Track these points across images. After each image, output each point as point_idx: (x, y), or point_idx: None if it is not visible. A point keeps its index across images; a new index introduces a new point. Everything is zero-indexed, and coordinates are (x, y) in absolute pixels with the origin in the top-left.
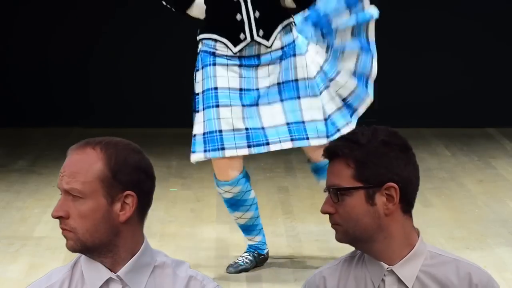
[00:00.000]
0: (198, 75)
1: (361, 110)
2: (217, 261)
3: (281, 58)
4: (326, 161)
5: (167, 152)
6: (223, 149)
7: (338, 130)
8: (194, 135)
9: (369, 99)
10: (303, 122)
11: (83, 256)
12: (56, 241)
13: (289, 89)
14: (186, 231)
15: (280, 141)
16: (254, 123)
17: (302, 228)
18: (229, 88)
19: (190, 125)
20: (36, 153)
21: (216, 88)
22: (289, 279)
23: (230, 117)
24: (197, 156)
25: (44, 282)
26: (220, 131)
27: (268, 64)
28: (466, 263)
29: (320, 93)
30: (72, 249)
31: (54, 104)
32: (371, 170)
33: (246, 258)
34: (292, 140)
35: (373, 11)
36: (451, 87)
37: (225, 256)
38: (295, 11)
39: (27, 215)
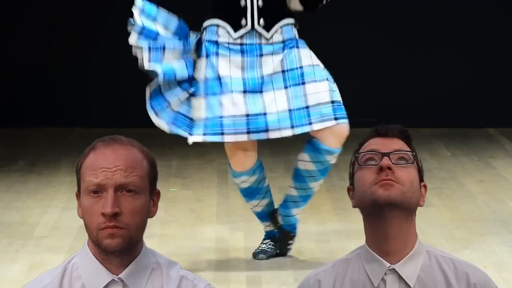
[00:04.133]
0: (201, 63)
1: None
2: (217, 261)
3: (283, 49)
4: (337, 149)
5: (167, 152)
6: (222, 134)
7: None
8: (192, 119)
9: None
10: (307, 107)
11: (79, 256)
12: (56, 241)
13: (293, 76)
14: (186, 231)
15: (280, 129)
16: (256, 109)
17: (302, 228)
18: (231, 77)
19: None
20: (36, 153)
21: (218, 78)
22: (289, 279)
23: (231, 104)
24: (195, 138)
25: (36, 285)
26: (221, 117)
27: (272, 54)
28: (463, 262)
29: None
30: (120, 246)
31: (54, 104)
32: (421, 166)
33: (270, 245)
34: (292, 127)
35: None
36: (451, 87)
37: (225, 256)
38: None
39: (27, 215)
